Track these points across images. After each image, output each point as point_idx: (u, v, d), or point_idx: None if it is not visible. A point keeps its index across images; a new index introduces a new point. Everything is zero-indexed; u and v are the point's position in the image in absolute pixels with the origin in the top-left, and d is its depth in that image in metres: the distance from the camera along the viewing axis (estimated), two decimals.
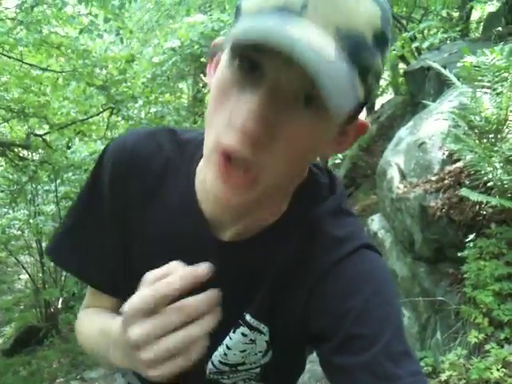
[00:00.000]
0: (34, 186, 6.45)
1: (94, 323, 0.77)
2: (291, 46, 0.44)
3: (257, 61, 0.51)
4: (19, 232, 6.67)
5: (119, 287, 0.76)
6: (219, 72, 0.56)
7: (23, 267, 6.91)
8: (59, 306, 6.77)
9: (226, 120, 0.53)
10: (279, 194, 0.66)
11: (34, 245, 6.88)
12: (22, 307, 7.45)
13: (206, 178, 0.57)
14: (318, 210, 0.67)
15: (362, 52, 0.51)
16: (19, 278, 8.00)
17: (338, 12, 0.50)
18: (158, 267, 0.68)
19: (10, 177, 6.71)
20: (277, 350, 0.72)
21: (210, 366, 0.74)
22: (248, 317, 0.69)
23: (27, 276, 6.97)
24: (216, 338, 0.70)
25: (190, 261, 0.68)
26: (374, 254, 0.67)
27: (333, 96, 0.46)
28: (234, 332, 0.71)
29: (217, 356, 0.73)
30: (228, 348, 0.71)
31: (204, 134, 0.62)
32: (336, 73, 0.47)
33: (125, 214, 0.72)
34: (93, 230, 0.75)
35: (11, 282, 8.14)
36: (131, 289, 0.74)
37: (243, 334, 0.70)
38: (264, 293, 0.67)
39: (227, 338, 0.71)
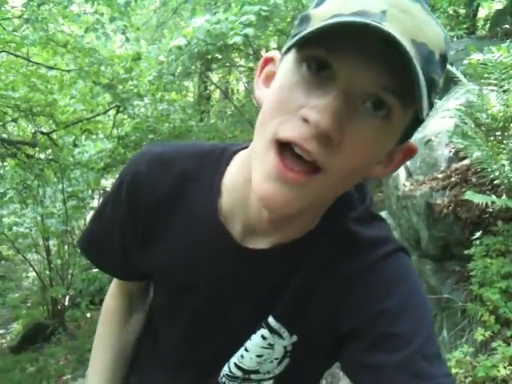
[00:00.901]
0: (42, 186, 6.48)
1: (94, 359, 0.89)
2: (382, 30, 0.44)
3: (327, 61, 0.49)
4: (27, 230, 6.72)
5: (139, 276, 0.82)
6: (280, 78, 0.54)
7: (30, 265, 6.95)
8: (66, 303, 6.81)
9: (289, 118, 0.51)
10: (318, 210, 0.65)
11: (41, 243, 6.92)
12: (29, 304, 7.50)
13: (253, 179, 0.55)
14: (349, 218, 0.67)
15: (432, 66, 0.50)
16: (27, 276, 8.06)
17: (414, 24, 0.49)
18: (180, 271, 0.72)
19: (19, 176, 6.73)
20: (297, 358, 0.71)
21: (225, 367, 0.74)
22: (270, 319, 0.69)
23: (34, 274, 7.01)
24: (239, 339, 0.72)
25: (212, 265, 0.70)
26: (407, 258, 0.67)
27: (422, 91, 0.45)
28: (255, 333, 0.70)
29: (234, 357, 0.73)
30: (246, 350, 0.71)
31: (218, 144, 0.69)
32: (419, 72, 0.46)
33: (142, 225, 0.73)
34: (108, 233, 0.78)
35: (19, 279, 8.20)
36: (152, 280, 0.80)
37: (263, 337, 0.69)
38: (291, 297, 0.67)
39: (248, 339, 0.71)
